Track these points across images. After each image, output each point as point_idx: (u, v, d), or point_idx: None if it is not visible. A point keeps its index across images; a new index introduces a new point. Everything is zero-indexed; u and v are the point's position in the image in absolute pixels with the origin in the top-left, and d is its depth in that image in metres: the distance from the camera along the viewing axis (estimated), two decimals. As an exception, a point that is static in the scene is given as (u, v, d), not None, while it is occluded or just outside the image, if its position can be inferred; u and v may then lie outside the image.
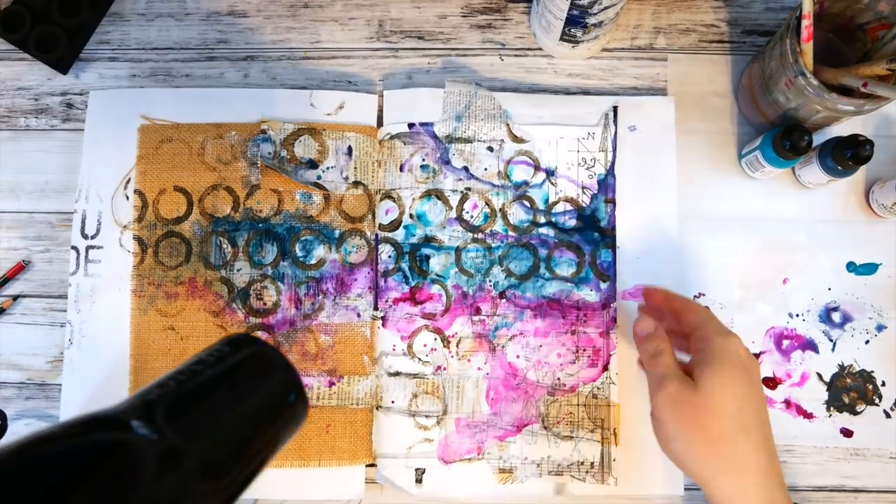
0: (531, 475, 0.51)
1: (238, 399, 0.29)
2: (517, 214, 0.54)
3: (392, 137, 0.55)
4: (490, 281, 0.53)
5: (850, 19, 0.50)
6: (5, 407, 0.55)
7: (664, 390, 0.41)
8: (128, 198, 0.55)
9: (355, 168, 0.55)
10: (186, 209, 0.54)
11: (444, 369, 0.53)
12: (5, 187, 0.57)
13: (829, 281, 0.54)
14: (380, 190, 0.55)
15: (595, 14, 0.50)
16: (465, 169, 0.54)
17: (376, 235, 0.54)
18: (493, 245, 0.54)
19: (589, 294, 0.53)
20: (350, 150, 0.55)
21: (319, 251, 0.54)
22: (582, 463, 0.51)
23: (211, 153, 0.55)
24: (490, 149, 0.55)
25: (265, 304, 0.53)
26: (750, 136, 0.55)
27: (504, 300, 0.53)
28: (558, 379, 0.52)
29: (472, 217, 0.54)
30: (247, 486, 0.29)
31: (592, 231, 0.54)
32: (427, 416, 0.52)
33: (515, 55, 0.58)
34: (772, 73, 0.49)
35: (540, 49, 0.58)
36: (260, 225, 0.54)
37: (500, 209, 0.54)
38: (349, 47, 0.58)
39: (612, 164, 0.54)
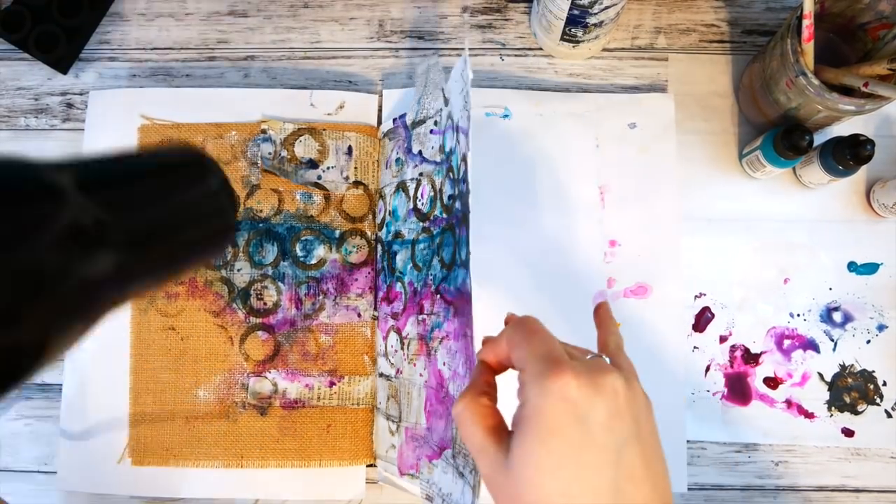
0: None
1: (157, 176, 0.26)
2: (447, 191, 0.46)
3: (384, 136, 0.55)
4: (431, 274, 0.47)
5: (851, 19, 0.50)
6: (5, 406, 0.54)
7: (479, 469, 0.30)
8: None
9: (355, 168, 0.55)
10: None
11: (401, 373, 0.49)
12: (5, 187, 0.57)
13: (830, 281, 0.54)
14: (378, 189, 0.55)
15: (595, 14, 0.50)
16: (420, 153, 0.51)
17: (376, 235, 0.54)
18: (435, 232, 0.48)
19: (467, 279, 0.41)
20: (350, 149, 0.55)
21: (320, 251, 0.54)
22: None
23: (211, 153, 0.54)
24: (436, 122, 0.49)
25: (265, 304, 0.53)
26: (750, 135, 0.55)
27: (438, 296, 0.45)
28: None
29: (422, 204, 0.50)
30: (160, 279, 0.25)
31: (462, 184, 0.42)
32: (392, 421, 0.50)
33: (516, 55, 0.58)
34: (772, 72, 0.49)
35: (540, 49, 0.58)
36: (260, 225, 0.54)
37: (439, 189, 0.48)
38: (349, 47, 0.58)
39: (465, 88, 0.42)
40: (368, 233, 0.54)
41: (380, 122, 0.56)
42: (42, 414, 0.54)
